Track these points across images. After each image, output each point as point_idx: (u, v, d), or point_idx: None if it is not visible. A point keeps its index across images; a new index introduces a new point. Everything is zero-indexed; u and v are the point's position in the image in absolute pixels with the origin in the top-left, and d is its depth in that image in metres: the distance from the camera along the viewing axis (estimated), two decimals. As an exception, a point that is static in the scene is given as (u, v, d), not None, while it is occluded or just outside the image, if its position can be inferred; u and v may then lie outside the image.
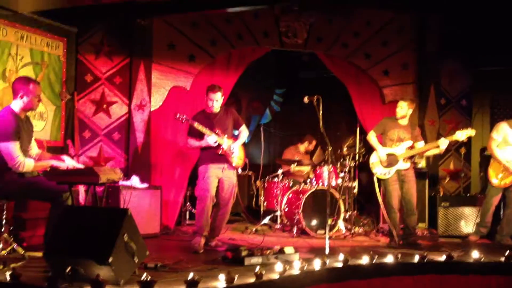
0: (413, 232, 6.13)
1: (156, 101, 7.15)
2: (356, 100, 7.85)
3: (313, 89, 5.83)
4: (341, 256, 4.67)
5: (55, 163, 4.53)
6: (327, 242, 5.07)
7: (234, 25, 7.43)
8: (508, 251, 5.01)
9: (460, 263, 4.98)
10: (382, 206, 6.28)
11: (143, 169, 6.88)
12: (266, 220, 7.39)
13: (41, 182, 4.43)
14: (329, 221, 5.57)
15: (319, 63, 8.03)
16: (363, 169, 7.77)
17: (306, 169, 7.81)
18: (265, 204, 7.62)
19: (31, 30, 6.28)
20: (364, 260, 4.72)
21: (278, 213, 7.31)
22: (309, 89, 5.98)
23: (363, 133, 7.74)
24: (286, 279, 4.07)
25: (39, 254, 4.24)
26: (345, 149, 7.60)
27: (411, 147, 6.11)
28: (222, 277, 3.73)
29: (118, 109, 7.07)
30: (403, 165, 6.05)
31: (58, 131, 6.66)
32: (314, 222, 6.71)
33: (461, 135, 5.93)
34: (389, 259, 4.81)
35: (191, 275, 3.59)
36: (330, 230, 6.31)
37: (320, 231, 6.57)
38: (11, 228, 4.75)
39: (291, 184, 7.49)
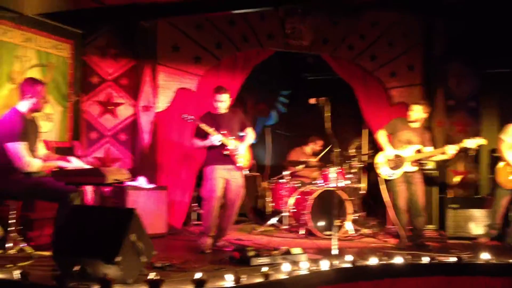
0: (421, 234, 6.08)
1: (162, 102, 7.16)
2: (362, 102, 7.83)
3: (319, 90, 5.82)
4: (349, 257, 4.64)
5: (62, 164, 4.55)
6: (335, 243, 5.04)
7: (239, 27, 7.44)
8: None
9: (469, 265, 4.93)
10: (389, 207, 6.25)
11: (149, 170, 6.90)
12: (273, 221, 7.36)
13: (48, 183, 4.45)
14: (337, 222, 5.54)
15: (324, 65, 8.02)
16: (370, 170, 7.73)
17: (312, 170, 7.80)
18: (271, 205, 7.59)
19: (37, 32, 6.30)
20: (372, 261, 4.69)
21: (285, 214, 7.29)
22: (314, 90, 5.97)
23: (370, 135, 7.71)
24: (294, 279, 4.05)
25: (47, 253, 4.27)
26: (352, 150, 7.56)
27: (419, 151, 6.08)
28: (229, 277, 3.72)
29: (125, 111, 7.09)
30: (410, 168, 6.02)
31: (65, 132, 6.67)
32: (321, 223, 6.68)
33: (471, 143, 5.88)
34: (398, 260, 4.77)
35: (198, 275, 3.58)
36: (338, 231, 6.28)
37: (327, 232, 6.53)
38: (19, 228, 4.77)
39: (298, 185, 7.47)
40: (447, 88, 7.84)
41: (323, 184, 7.05)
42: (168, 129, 7.15)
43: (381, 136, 6.20)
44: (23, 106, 4.59)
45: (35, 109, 4.65)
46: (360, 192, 7.52)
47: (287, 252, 4.67)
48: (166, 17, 6.97)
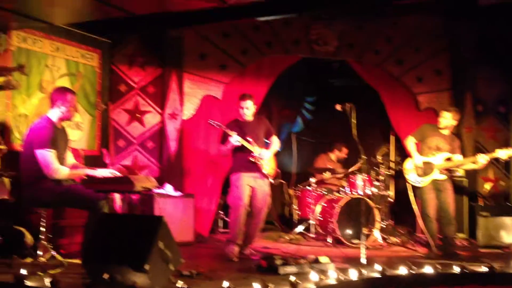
0: (451, 243, 5.96)
1: (188, 110, 7.21)
2: (389, 108, 7.76)
3: (344, 96, 5.77)
4: (378, 266, 4.58)
5: (89, 172, 4.59)
6: (363, 252, 4.98)
7: (264, 34, 7.46)
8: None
9: (500, 274, 4.82)
10: (418, 215, 6.15)
11: (176, 177, 6.94)
12: (299, 229, 7.32)
13: (78, 190, 4.49)
14: (365, 231, 5.48)
15: (350, 70, 7.97)
16: (399, 178, 7.63)
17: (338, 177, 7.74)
18: (298, 212, 7.55)
19: (67, 42, 6.41)
20: (402, 270, 4.62)
21: (311, 222, 7.24)
22: (340, 96, 5.92)
23: (398, 141, 7.62)
24: (322, 288, 4.01)
25: (77, 261, 4.33)
26: (379, 157, 7.47)
27: (449, 159, 5.98)
28: (257, 285, 3.71)
29: (152, 118, 7.15)
30: (439, 176, 5.93)
31: (94, 140, 6.75)
32: (349, 232, 6.61)
33: (504, 154, 5.76)
34: (428, 269, 4.70)
35: (226, 283, 3.58)
36: (366, 239, 6.21)
37: (355, 241, 6.46)
38: (50, 236, 4.83)
39: (324, 193, 7.42)
40: (475, 93, 7.71)
41: (350, 192, 6.99)
42: (194, 137, 7.19)
43: (410, 143, 6.12)
44: (54, 114, 4.66)
45: (65, 117, 4.72)
46: (388, 200, 7.42)
47: (315, 261, 4.63)
48: (193, 25, 7.02)
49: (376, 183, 7.18)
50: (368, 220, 6.57)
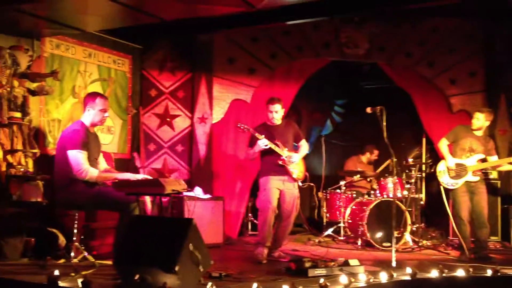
0: (485, 246, 5.85)
1: (217, 114, 7.27)
2: (421, 110, 7.67)
3: (375, 99, 5.73)
4: (408, 269, 4.51)
5: (119, 176, 4.65)
6: (394, 254, 4.93)
7: (293, 38, 7.46)
8: None
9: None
10: (451, 218, 6.05)
11: (205, 180, 7.00)
12: (329, 232, 7.29)
13: (110, 193, 4.56)
14: (395, 234, 5.41)
15: (380, 73, 7.91)
16: (431, 180, 7.52)
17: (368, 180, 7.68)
18: (327, 215, 7.52)
19: (98, 48, 6.55)
20: (433, 273, 4.54)
21: (341, 225, 7.19)
22: (370, 99, 5.88)
23: (430, 144, 7.51)
24: (352, 291, 3.98)
25: (108, 262, 4.40)
26: (410, 160, 7.38)
27: (483, 160, 5.87)
28: (286, 288, 3.70)
29: (181, 122, 7.24)
30: (472, 177, 5.83)
31: (125, 144, 6.87)
32: (379, 235, 6.54)
33: None
34: (460, 273, 4.61)
35: (255, 286, 3.58)
36: (397, 242, 6.14)
37: (386, 244, 6.39)
38: (82, 237, 4.94)
39: (354, 196, 7.36)
40: (510, 95, 7.54)
41: (381, 195, 6.91)
42: (223, 140, 7.24)
43: (443, 145, 6.04)
44: (87, 119, 4.75)
45: (97, 121, 4.79)
46: (420, 202, 7.32)
47: (345, 264, 4.60)
48: (223, 30, 7.08)
49: (408, 185, 7.09)
50: (399, 223, 6.49)
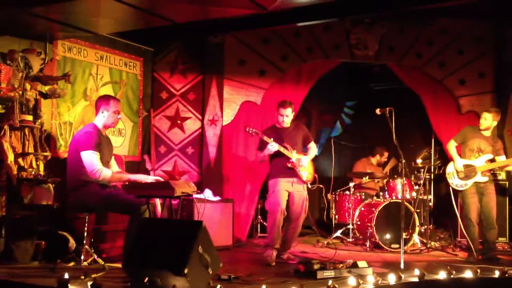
0: (493, 247, 5.86)
1: (228, 115, 7.30)
2: (430, 111, 7.66)
3: (385, 100, 5.73)
4: (417, 271, 4.53)
5: (131, 177, 4.70)
6: (402, 256, 4.94)
7: (304, 39, 7.47)
8: None
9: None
10: (459, 219, 6.05)
11: (215, 183, 7.03)
12: (338, 234, 7.30)
13: (120, 196, 4.60)
14: (404, 235, 5.42)
15: (390, 74, 7.90)
16: (439, 182, 7.51)
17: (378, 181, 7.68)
18: (336, 217, 7.53)
19: (110, 51, 6.62)
20: (442, 275, 4.56)
21: (350, 227, 7.21)
22: (380, 100, 5.88)
23: (439, 145, 7.51)
24: (360, 293, 4.01)
25: (118, 265, 4.40)
26: (419, 161, 7.38)
27: (492, 160, 5.87)
28: (294, 290, 3.73)
29: (192, 125, 7.29)
30: (481, 178, 5.83)
31: (136, 147, 6.94)
32: (387, 236, 6.56)
33: None
34: (468, 274, 4.62)
35: (264, 288, 3.62)
36: (405, 244, 6.15)
37: (394, 245, 6.40)
38: (92, 240, 4.98)
39: (363, 197, 7.38)
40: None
41: (389, 196, 6.92)
42: (233, 142, 7.27)
43: (451, 147, 6.05)
44: (100, 121, 4.78)
45: (110, 123, 4.81)
46: (428, 204, 7.31)
47: (353, 265, 4.63)
48: (234, 32, 7.11)
49: (416, 187, 7.10)
50: (408, 225, 6.50)
